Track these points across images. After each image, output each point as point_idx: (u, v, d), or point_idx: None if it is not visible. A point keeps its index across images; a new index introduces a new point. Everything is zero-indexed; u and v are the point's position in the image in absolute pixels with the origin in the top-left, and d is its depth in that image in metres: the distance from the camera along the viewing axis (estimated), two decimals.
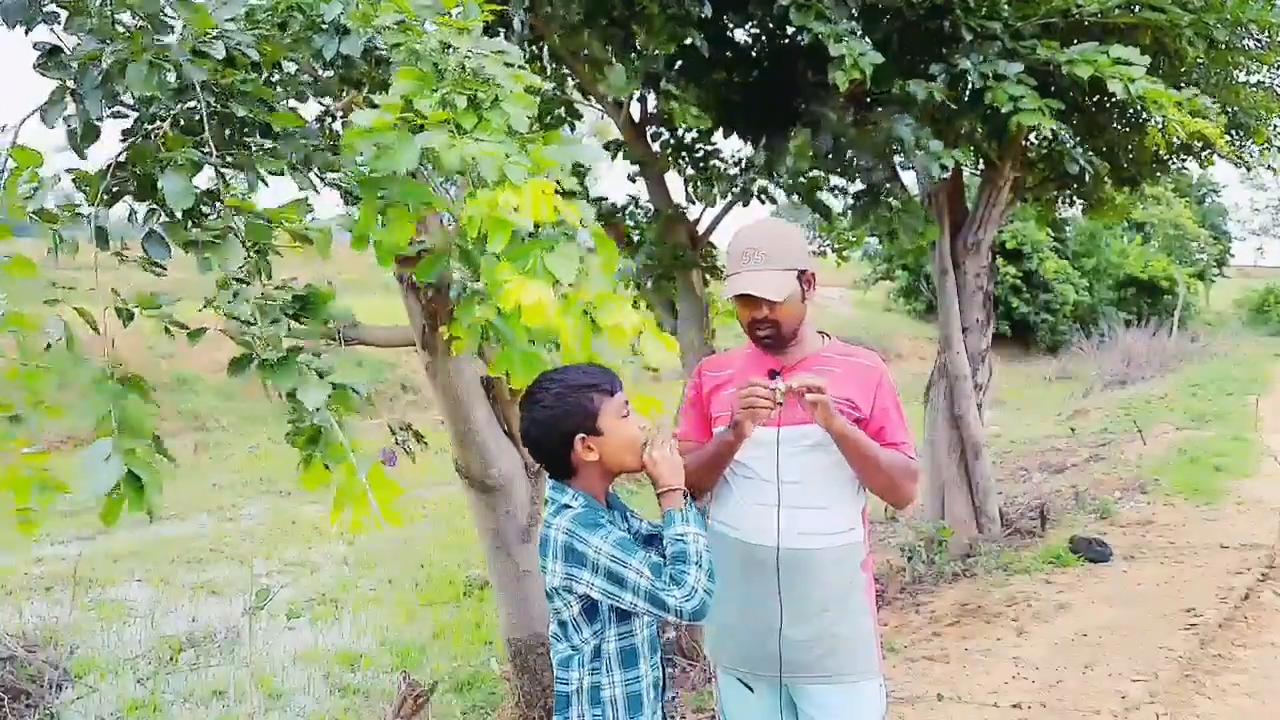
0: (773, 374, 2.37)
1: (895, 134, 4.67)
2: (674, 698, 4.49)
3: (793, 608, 2.31)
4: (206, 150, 2.03)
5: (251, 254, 2.08)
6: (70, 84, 2.01)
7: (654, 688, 2.02)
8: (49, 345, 1.89)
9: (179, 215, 2.04)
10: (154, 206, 2.12)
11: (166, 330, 2.06)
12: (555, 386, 1.99)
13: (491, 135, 1.99)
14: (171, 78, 2.02)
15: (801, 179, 5.32)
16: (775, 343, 2.38)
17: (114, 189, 2.08)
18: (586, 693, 1.97)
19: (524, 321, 1.91)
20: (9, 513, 2.06)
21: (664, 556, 1.91)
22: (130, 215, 2.15)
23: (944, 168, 4.73)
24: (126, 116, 2.11)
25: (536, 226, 1.95)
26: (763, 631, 2.35)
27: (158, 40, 2.00)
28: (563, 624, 1.98)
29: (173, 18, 2.05)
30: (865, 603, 2.39)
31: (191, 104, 2.01)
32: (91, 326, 1.94)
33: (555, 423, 1.96)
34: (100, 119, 2.04)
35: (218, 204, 2.10)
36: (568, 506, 1.97)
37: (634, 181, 6.05)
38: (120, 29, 2.06)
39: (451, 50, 2.12)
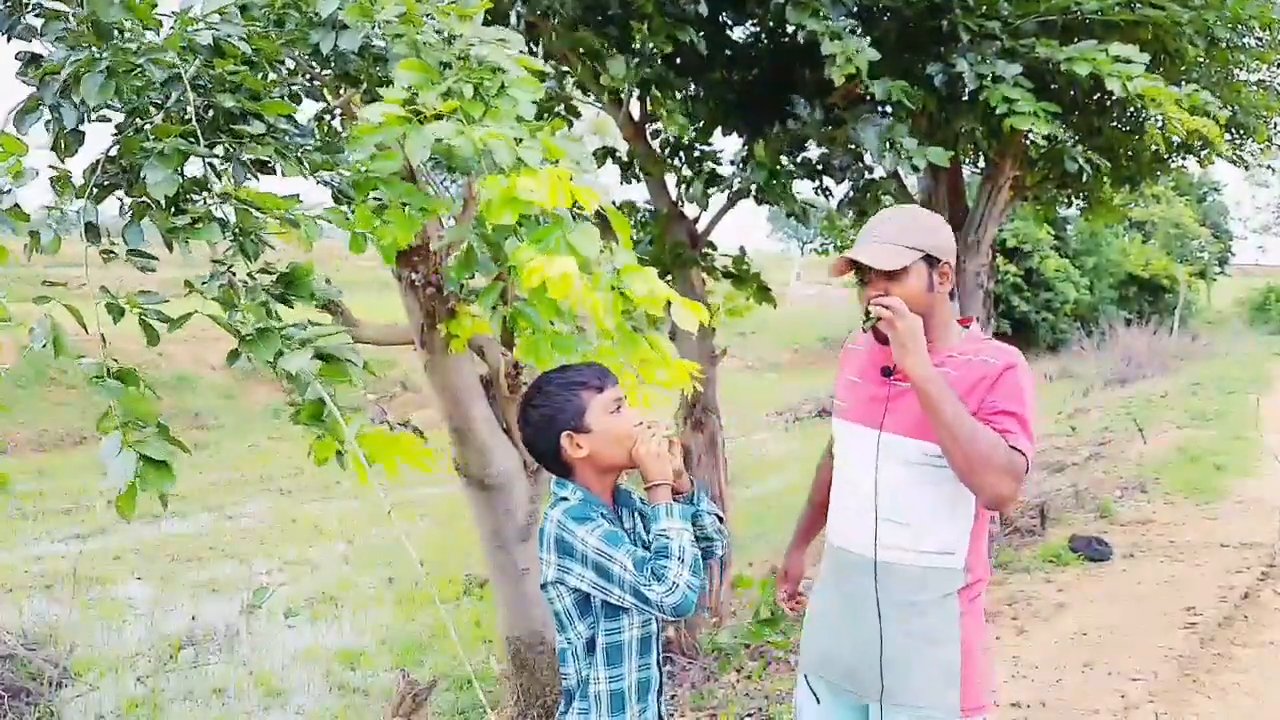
0: (885, 371, 2.22)
1: (860, 135, 4.61)
2: (673, 697, 4.49)
3: (876, 622, 2.20)
4: (194, 140, 2.02)
5: (237, 239, 2.07)
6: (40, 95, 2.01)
7: (639, 686, 2.01)
8: (44, 345, 1.88)
9: (162, 204, 2.03)
10: (141, 199, 2.10)
11: (144, 324, 2.03)
12: (546, 386, 2.01)
13: (500, 122, 1.99)
14: (155, 76, 2.00)
15: (772, 180, 5.26)
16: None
17: (104, 183, 2.07)
18: (579, 686, 2.00)
19: (551, 296, 1.90)
20: None
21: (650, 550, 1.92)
22: (121, 209, 2.15)
23: (915, 168, 4.70)
24: (110, 121, 2.10)
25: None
26: (840, 640, 2.27)
27: (122, 45, 1.98)
28: (557, 615, 2.00)
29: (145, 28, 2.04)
30: (954, 634, 2.20)
31: (179, 96, 2.00)
32: (80, 323, 1.93)
33: (545, 422, 1.99)
34: (79, 126, 2.03)
35: (204, 193, 2.09)
36: (565, 500, 1.99)
37: (626, 183, 6.02)
38: (86, 37, 2.05)
39: (455, 40, 2.11)
